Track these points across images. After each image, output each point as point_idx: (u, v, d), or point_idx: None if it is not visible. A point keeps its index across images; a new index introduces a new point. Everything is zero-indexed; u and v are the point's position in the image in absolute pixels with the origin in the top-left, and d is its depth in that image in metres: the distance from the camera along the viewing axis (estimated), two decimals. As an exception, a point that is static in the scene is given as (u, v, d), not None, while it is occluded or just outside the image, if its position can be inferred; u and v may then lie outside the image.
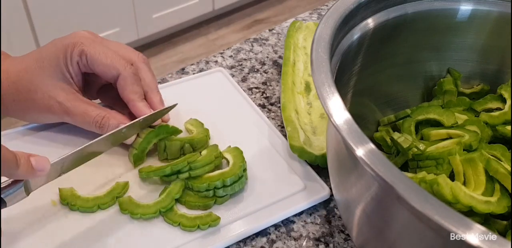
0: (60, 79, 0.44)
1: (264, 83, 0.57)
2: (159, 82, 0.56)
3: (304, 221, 0.44)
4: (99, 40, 0.46)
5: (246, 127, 0.51)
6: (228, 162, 0.45)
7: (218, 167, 0.45)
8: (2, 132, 0.48)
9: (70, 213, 0.42)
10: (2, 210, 0.35)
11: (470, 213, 0.34)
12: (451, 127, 0.42)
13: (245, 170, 0.44)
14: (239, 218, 0.43)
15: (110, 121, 0.45)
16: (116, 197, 0.43)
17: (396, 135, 0.41)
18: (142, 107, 0.46)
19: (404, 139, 0.40)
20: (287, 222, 0.44)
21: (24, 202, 0.36)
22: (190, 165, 0.43)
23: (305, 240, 0.43)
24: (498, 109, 0.44)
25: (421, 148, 0.39)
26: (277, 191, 0.45)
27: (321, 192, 0.45)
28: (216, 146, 0.46)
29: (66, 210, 0.42)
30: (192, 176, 0.43)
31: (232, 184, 0.43)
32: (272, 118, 0.53)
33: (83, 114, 0.45)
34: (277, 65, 0.60)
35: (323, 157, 0.46)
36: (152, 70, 0.49)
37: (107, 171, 0.46)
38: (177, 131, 0.47)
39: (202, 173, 0.43)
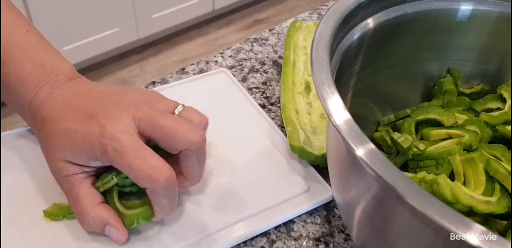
0: (77, 160, 0.39)
1: (264, 83, 0.57)
2: (159, 83, 0.56)
3: (304, 221, 0.44)
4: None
5: (250, 128, 0.51)
6: None
7: None
8: (2, 133, 0.48)
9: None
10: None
11: (470, 213, 0.34)
12: (451, 127, 0.42)
13: None
14: (241, 220, 0.43)
15: (91, 228, 0.40)
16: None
17: (396, 135, 0.41)
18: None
19: (404, 139, 0.40)
20: (287, 222, 0.44)
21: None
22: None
23: (305, 240, 0.43)
24: (498, 109, 0.44)
25: (421, 148, 0.39)
26: (280, 192, 0.45)
27: (324, 193, 0.45)
28: None
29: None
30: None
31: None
32: (272, 118, 0.53)
33: (73, 202, 0.40)
34: (277, 65, 0.60)
35: (323, 157, 0.46)
36: (204, 158, 0.41)
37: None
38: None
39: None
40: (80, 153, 0.38)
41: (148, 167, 0.37)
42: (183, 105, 0.42)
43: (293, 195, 0.45)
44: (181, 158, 0.40)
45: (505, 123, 0.42)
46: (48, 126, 0.40)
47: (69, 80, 0.42)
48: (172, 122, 0.39)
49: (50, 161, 0.40)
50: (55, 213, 0.41)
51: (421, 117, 0.43)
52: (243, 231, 0.42)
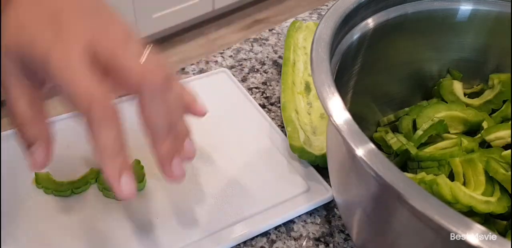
0: None
1: (264, 83, 0.57)
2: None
3: (304, 221, 0.44)
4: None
5: (250, 128, 0.51)
6: None
7: None
8: (2, 133, 0.48)
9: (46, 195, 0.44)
10: None
11: (470, 213, 0.34)
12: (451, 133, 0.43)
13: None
14: (241, 220, 0.43)
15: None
16: (90, 182, 0.45)
17: (389, 136, 0.41)
18: None
19: (395, 141, 0.40)
20: (287, 222, 0.44)
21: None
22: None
23: (305, 240, 0.43)
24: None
25: (412, 152, 0.40)
26: (280, 192, 0.45)
27: (324, 193, 0.45)
28: None
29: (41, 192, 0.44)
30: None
31: None
32: (272, 118, 0.53)
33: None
34: (277, 65, 0.60)
35: (323, 157, 0.46)
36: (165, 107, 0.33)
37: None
38: None
39: None
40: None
41: (87, 85, 0.30)
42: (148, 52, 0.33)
43: (293, 195, 0.45)
44: (140, 104, 0.32)
45: (503, 121, 0.42)
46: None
47: None
48: (133, 60, 0.32)
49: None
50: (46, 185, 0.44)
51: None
52: (243, 231, 0.42)
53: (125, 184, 0.31)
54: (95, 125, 0.30)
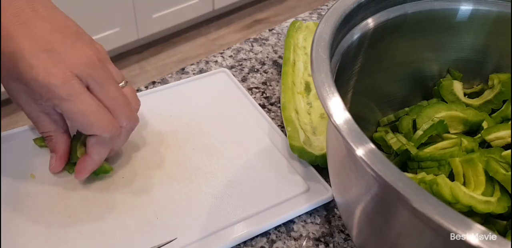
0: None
1: (264, 83, 0.57)
2: (159, 82, 0.56)
3: (304, 221, 0.44)
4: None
5: (250, 128, 0.51)
6: None
7: None
8: (2, 133, 0.48)
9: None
10: None
11: (470, 213, 0.34)
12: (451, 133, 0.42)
13: None
14: (241, 220, 0.43)
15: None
16: None
17: (389, 136, 0.41)
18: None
19: (395, 141, 0.40)
20: (287, 222, 0.44)
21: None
22: None
23: (305, 240, 0.43)
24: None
25: (412, 152, 0.40)
26: (280, 192, 0.45)
27: (324, 193, 0.45)
28: None
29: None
30: None
31: None
32: (272, 118, 0.53)
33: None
34: (277, 65, 0.60)
35: (323, 157, 0.46)
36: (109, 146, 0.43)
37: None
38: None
39: None
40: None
41: (104, 118, 0.39)
42: (126, 82, 0.44)
43: (293, 195, 0.45)
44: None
45: (503, 121, 0.42)
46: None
47: None
48: (118, 95, 0.40)
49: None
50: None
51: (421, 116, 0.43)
52: (243, 231, 0.42)
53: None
54: (102, 145, 0.41)
